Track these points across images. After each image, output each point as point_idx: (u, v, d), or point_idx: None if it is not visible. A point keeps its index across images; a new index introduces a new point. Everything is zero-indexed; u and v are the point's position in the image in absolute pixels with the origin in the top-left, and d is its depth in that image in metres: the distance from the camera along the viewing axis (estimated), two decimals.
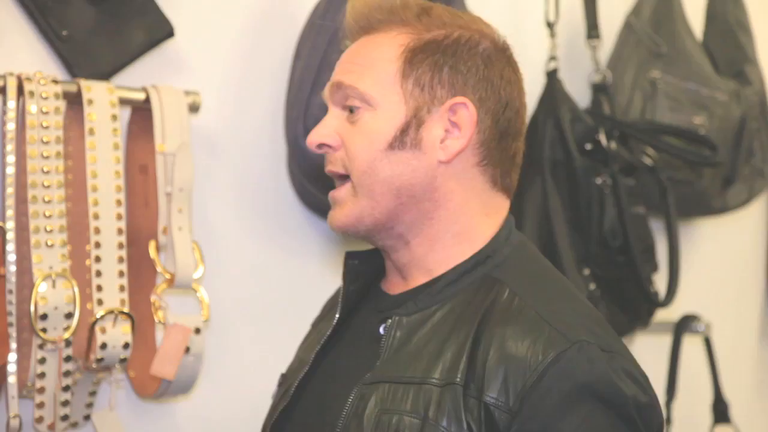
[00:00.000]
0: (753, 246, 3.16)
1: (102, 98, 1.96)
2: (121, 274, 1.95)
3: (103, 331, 1.91)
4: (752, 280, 3.16)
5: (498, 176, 1.63)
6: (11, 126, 1.88)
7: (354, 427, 1.53)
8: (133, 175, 2.06)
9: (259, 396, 2.25)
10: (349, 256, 1.71)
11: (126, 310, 1.93)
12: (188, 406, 2.15)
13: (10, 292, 1.86)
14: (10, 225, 1.87)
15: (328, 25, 2.20)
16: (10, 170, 1.88)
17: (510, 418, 1.45)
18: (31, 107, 1.89)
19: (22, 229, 1.89)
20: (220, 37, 2.22)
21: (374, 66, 1.60)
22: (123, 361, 1.94)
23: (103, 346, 1.91)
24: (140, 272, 2.04)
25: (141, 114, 2.05)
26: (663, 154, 2.58)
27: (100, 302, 1.92)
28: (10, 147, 1.88)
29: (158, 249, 2.03)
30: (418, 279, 1.63)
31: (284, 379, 1.76)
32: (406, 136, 1.58)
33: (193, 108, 2.08)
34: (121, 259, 1.95)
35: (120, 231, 1.96)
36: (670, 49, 2.71)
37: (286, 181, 2.28)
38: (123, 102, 2.01)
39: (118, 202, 1.96)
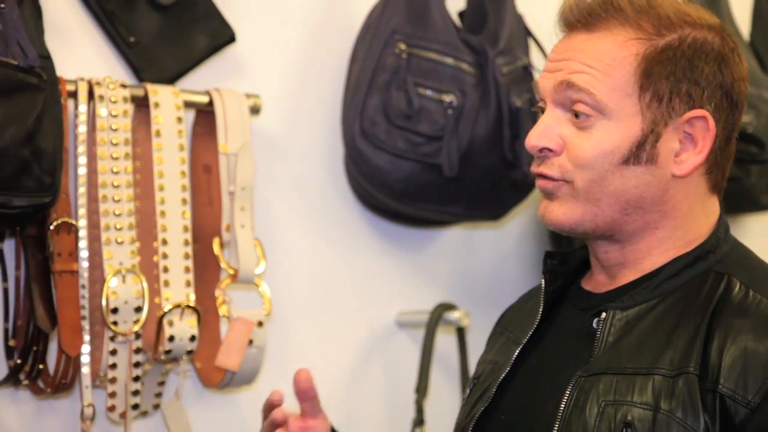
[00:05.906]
0: None
1: (168, 101, 2.01)
2: (187, 269, 2.00)
3: (171, 324, 1.96)
4: None
5: (719, 179, 1.56)
6: (83, 129, 1.93)
7: (575, 419, 1.45)
8: (197, 175, 2.09)
9: (318, 386, 2.31)
10: (549, 256, 1.62)
11: (192, 304, 1.98)
12: (251, 395, 2.17)
13: (83, 287, 1.91)
14: (82, 223, 1.92)
15: (383, 28, 2.23)
16: (82, 171, 1.93)
17: (748, 413, 1.38)
18: (101, 110, 1.94)
19: (93, 227, 1.94)
20: (280, 42, 2.25)
21: (610, 74, 1.48)
22: (190, 352, 1.98)
23: (171, 338, 1.96)
24: (205, 268, 2.07)
25: (204, 116, 2.10)
26: None
27: (167, 297, 1.97)
28: (81, 149, 1.93)
29: (222, 246, 2.06)
30: (628, 277, 1.55)
31: (476, 383, 1.65)
32: (642, 151, 1.49)
33: (254, 110, 2.12)
34: (186, 256, 2.00)
35: (185, 228, 2.01)
36: None
37: (344, 179, 2.31)
38: (187, 105, 2.05)
39: (184, 201, 2.02)
